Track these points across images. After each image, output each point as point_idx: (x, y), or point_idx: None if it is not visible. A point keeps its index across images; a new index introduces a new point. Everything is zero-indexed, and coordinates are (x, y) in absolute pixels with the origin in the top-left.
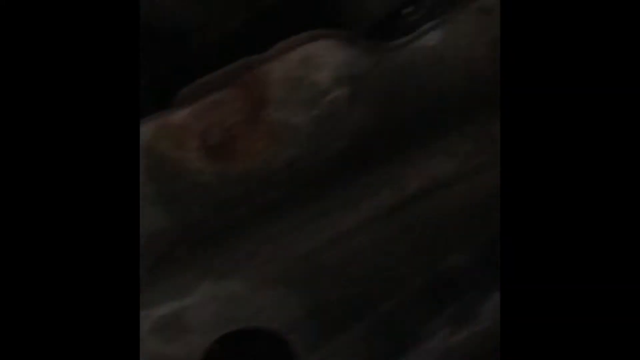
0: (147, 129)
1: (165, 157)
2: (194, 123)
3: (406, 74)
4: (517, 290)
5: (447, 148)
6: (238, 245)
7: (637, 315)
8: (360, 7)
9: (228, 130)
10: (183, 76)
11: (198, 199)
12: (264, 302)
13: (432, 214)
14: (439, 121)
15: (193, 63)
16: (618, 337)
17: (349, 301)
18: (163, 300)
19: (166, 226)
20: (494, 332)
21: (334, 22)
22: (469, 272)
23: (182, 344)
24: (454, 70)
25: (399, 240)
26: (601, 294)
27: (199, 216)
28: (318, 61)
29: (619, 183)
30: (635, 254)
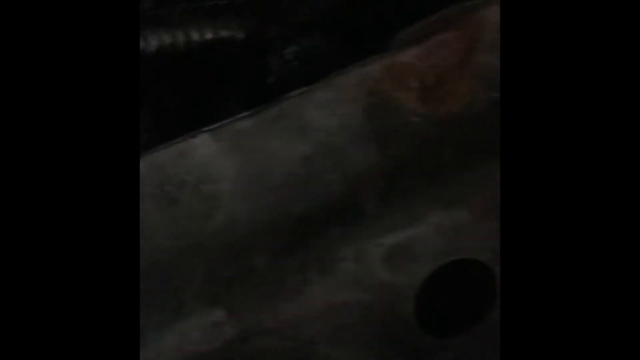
0: (373, 69)
1: (387, 96)
2: (418, 63)
3: None
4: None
5: None
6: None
7: None
8: None
9: (442, 73)
10: None
11: (407, 137)
12: (482, 233)
13: None
14: None
15: None
16: None
17: None
18: (394, 230)
19: (379, 160)
20: None
21: None
22: None
23: (408, 272)
24: None
25: None
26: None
27: (407, 152)
28: None
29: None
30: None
